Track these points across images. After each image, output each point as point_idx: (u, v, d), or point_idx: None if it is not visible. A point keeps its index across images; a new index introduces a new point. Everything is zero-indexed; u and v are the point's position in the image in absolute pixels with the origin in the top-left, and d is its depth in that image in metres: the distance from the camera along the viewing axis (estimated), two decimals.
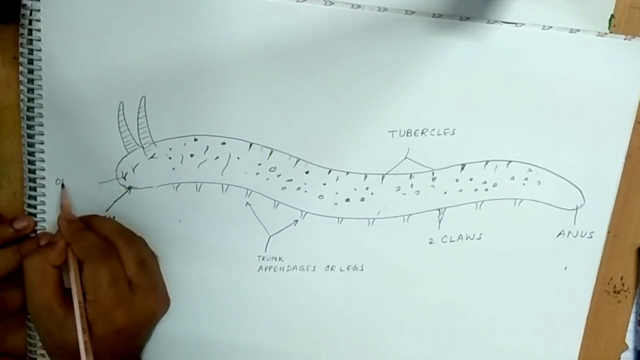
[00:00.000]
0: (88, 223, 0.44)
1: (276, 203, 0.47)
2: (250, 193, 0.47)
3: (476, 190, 0.49)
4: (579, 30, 0.46)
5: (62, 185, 0.44)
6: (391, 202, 0.48)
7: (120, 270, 0.43)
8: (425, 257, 0.50)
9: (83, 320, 0.41)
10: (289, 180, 0.47)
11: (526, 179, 0.49)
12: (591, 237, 0.51)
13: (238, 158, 0.46)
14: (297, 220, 0.48)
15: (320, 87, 0.45)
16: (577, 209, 0.50)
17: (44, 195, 0.44)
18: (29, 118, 0.43)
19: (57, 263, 0.42)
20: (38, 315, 0.42)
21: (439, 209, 0.49)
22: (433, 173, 0.48)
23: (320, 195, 0.47)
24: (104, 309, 0.42)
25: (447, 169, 0.48)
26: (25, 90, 0.42)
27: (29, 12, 0.41)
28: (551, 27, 0.46)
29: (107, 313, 0.42)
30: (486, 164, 0.48)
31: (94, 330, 0.42)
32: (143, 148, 0.45)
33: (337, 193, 0.47)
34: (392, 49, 0.45)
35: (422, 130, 0.47)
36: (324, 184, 0.47)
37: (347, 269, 0.49)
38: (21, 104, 0.43)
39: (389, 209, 0.48)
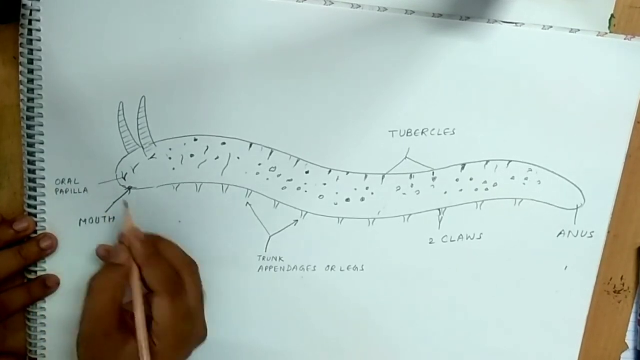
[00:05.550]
0: (154, 246, 0.44)
1: (276, 203, 0.47)
2: (251, 193, 0.47)
3: (476, 190, 0.49)
4: (579, 30, 0.46)
5: (126, 205, 0.44)
6: (391, 202, 0.48)
7: (188, 305, 0.43)
8: (426, 257, 0.50)
9: (147, 350, 0.40)
10: (289, 180, 0.47)
11: (526, 179, 0.49)
12: (591, 237, 0.51)
13: (238, 158, 0.46)
14: (297, 220, 0.48)
15: (321, 87, 0.45)
16: (577, 208, 0.50)
17: (44, 195, 0.44)
18: (29, 118, 0.43)
19: (123, 285, 0.42)
20: (95, 339, 0.41)
21: (439, 209, 0.49)
22: (433, 173, 0.48)
23: (320, 195, 0.47)
24: (172, 343, 0.42)
25: (448, 169, 0.48)
26: (25, 90, 0.42)
27: (29, 12, 0.41)
28: (551, 27, 0.46)
29: (173, 347, 0.42)
30: (486, 163, 0.48)
31: None
32: (143, 148, 0.45)
33: (337, 193, 0.47)
34: (392, 49, 0.45)
35: (422, 130, 0.47)
36: (324, 184, 0.47)
37: (348, 269, 0.49)
38: (21, 104, 0.43)
39: (389, 209, 0.48)
